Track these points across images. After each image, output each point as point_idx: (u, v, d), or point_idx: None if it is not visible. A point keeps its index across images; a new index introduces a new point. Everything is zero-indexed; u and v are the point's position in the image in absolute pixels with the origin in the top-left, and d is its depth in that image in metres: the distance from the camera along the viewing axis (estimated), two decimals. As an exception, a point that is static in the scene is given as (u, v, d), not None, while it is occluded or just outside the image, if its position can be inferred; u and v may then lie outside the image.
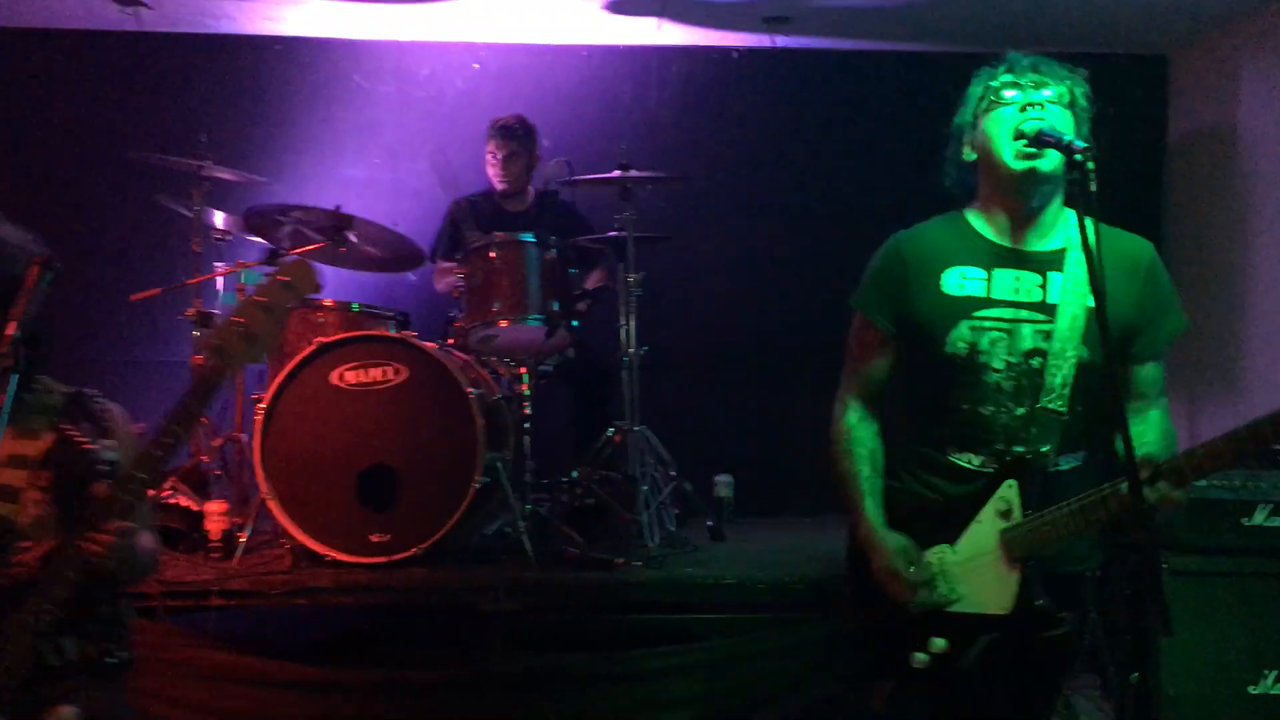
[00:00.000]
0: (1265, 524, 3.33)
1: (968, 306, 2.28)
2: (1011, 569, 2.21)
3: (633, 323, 4.42)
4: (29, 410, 2.24)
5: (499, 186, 4.92)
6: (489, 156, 4.91)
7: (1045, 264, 2.30)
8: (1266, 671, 3.27)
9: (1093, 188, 1.96)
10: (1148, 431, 2.28)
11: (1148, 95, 5.66)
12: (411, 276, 5.35)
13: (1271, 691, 3.27)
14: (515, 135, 4.88)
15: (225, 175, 4.47)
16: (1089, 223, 1.95)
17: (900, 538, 2.28)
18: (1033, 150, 2.19)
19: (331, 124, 5.56)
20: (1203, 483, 3.31)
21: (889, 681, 2.36)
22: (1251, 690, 3.28)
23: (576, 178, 4.55)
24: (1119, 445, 2.11)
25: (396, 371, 3.87)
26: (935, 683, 2.28)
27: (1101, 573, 2.39)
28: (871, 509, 2.32)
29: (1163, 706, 3.25)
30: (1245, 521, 3.32)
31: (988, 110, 2.28)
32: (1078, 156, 2.01)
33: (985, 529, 2.25)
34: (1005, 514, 2.23)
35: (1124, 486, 2.02)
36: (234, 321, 2.10)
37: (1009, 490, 2.24)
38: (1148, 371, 2.34)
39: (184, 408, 2.14)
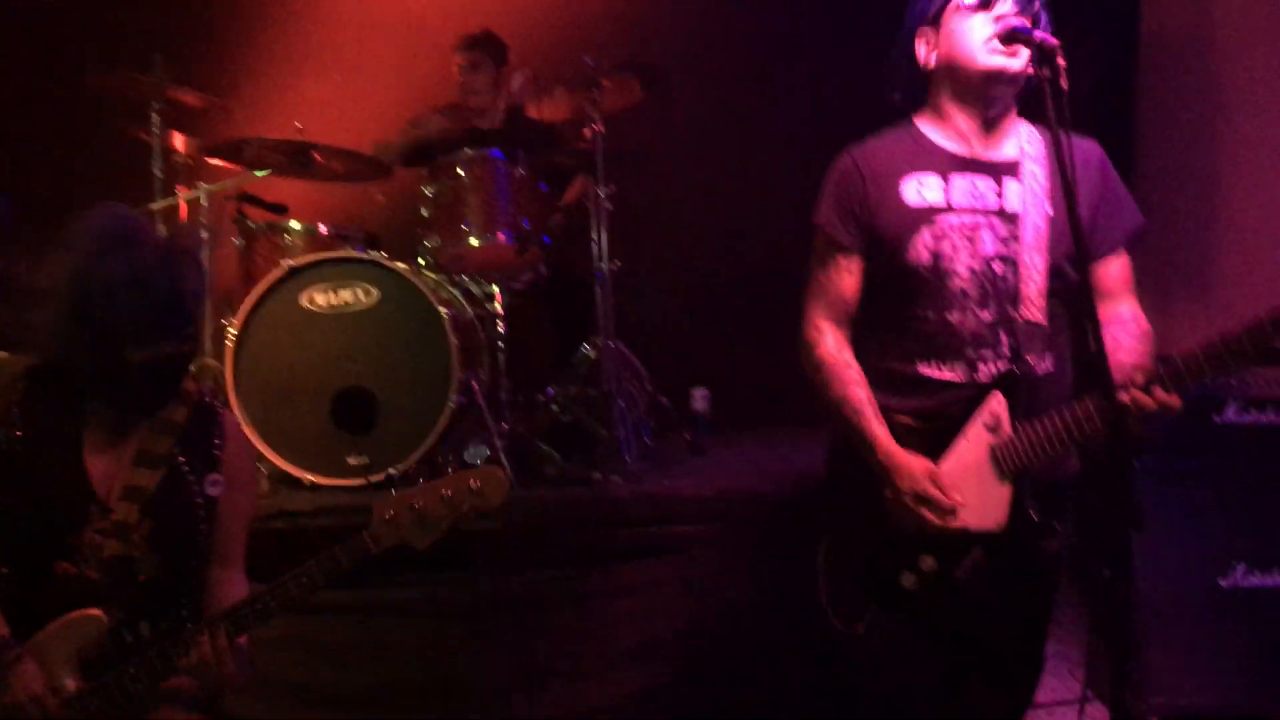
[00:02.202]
0: (1235, 420, 3.36)
1: (928, 214, 2.27)
2: (1003, 483, 2.22)
3: (605, 237, 4.37)
4: (155, 430, 2.17)
5: (466, 101, 4.84)
6: (456, 70, 4.82)
7: (1000, 171, 2.30)
8: (1235, 564, 3.33)
9: (1064, 85, 1.94)
10: (1122, 335, 2.28)
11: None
12: (380, 197, 5.28)
13: (1242, 584, 3.33)
14: (478, 44, 4.79)
15: (183, 97, 4.36)
16: (1058, 135, 1.94)
17: (924, 460, 2.24)
18: (1004, 49, 2.17)
19: (291, 42, 5.43)
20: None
21: (872, 604, 2.37)
22: (1222, 583, 3.34)
23: (542, 89, 4.47)
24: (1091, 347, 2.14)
25: (367, 293, 3.83)
26: (921, 604, 2.28)
27: (1079, 479, 2.39)
28: (883, 433, 2.27)
29: (1135, 602, 3.31)
30: (1216, 418, 3.35)
31: (950, 14, 2.25)
32: (1048, 53, 1.98)
33: (973, 444, 2.24)
34: (994, 428, 2.23)
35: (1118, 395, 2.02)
36: (413, 500, 2.07)
37: (996, 404, 2.23)
38: (1111, 268, 2.35)
39: (332, 560, 2.09)
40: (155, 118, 4.27)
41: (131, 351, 2.03)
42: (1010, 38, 2.14)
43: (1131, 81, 5.54)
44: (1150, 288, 2.48)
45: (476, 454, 1.97)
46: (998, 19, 2.19)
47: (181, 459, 2.19)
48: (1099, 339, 1.92)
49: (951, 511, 2.19)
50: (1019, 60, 2.18)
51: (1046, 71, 1.96)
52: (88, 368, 2.06)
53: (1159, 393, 2.04)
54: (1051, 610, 2.51)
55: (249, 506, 2.37)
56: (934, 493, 2.19)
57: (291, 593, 2.07)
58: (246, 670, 2.13)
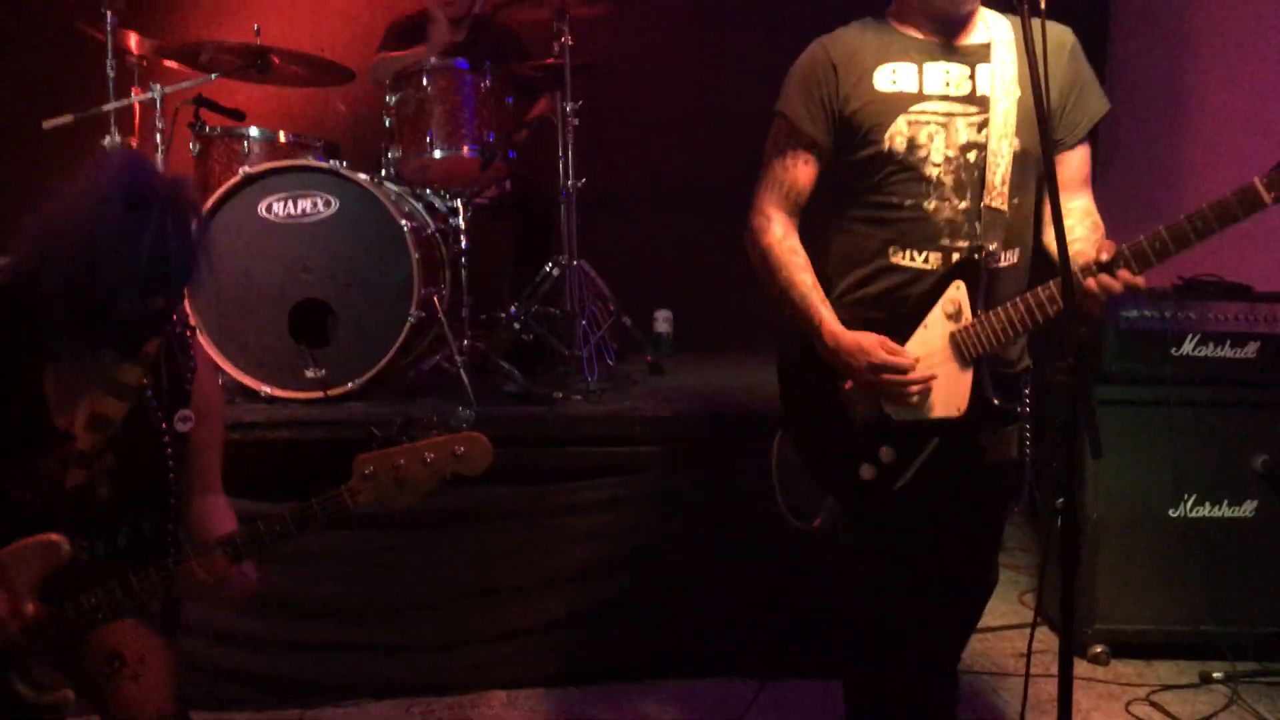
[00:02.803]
0: (1194, 354, 3.39)
1: (902, 102, 2.25)
2: (964, 370, 2.22)
3: (570, 154, 4.31)
4: (125, 359, 2.08)
5: (446, 11, 4.68)
6: None
7: (972, 56, 2.27)
8: (1187, 495, 3.39)
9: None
10: (1078, 226, 2.27)
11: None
12: (341, 106, 5.17)
13: (1190, 514, 3.40)
14: None
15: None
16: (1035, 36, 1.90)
17: (870, 333, 2.21)
18: None
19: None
20: (1133, 313, 3.39)
21: (828, 499, 2.38)
22: (1171, 514, 3.40)
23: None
24: (1047, 239, 2.23)
25: (327, 203, 3.76)
26: (880, 497, 2.29)
27: (1032, 377, 2.40)
28: (829, 315, 2.25)
29: (1086, 530, 3.37)
30: (1174, 351, 3.38)
31: None
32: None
33: (933, 332, 2.23)
34: (954, 316, 2.22)
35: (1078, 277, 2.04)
36: (395, 459, 2.00)
37: (957, 291, 2.22)
38: (1073, 157, 2.34)
39: (307, 512, 2.03)
40: (108, 15, 4.12)
41: (123, 305, 1.96)
42: None
43: (1106, 5, 5.51)
44: (1119, 209, 2.48)
45: (463, 418, 1.94)
46: None
47: (150, 392, 2.13)
48: (1060, 226, 1.91)
49: (911, 367, 2.19)
50: None
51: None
52: (72, 312, 1.97)
53: (1124, 274, 2.05)
54: (1005, 516, 2.53)
55: (221, 432, 2.32)
56: (889, 358, 2.19)
57: (263, 539, 2.04)
58: (240, 591, 2.12)
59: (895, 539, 2.36)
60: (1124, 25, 5.42)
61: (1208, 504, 3.40)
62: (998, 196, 2.23)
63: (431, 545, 3.37)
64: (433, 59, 4.07)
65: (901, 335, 2.24)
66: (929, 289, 2.24)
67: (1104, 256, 2.05)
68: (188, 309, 3.70)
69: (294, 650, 3.28)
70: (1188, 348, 3.39)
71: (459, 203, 4.16)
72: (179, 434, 2.16)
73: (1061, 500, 1.95)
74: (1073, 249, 2.16)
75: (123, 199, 1.93)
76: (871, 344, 2.20)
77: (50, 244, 1.96)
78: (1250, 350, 3.39)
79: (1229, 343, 3.39)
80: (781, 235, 2.33)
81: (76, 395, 2.08)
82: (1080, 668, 3.34)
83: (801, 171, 2.33)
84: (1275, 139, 4.05)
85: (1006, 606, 3.87)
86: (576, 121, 4.29)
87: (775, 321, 2.41)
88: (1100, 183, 2.41)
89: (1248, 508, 3.39)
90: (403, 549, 3.35)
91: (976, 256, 2.22)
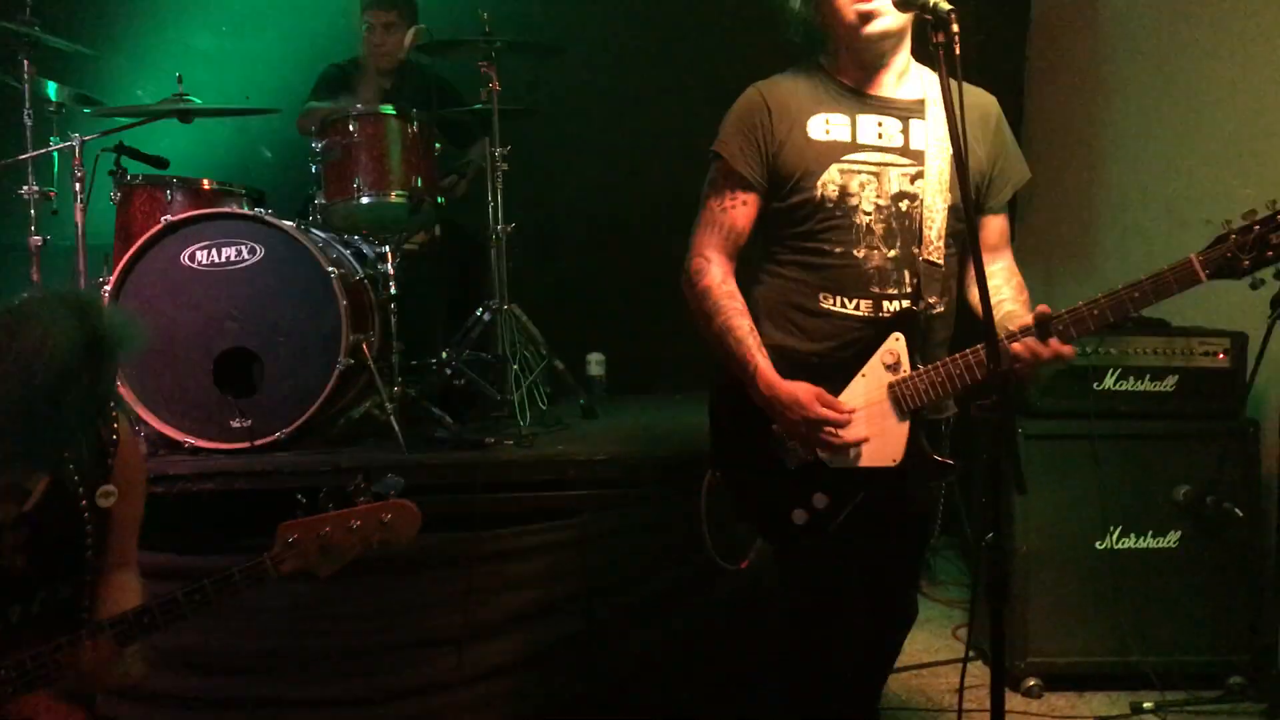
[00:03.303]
0: (1115, 388, 3.47)
1: (835, 151, 2.29)
2: (900, 421, 2.24)
3: (500, 199, 4.31)
4: None
5: (378, 61, 4.70)
6: (366, 27, 4.69)
7: (905, 111, 2.32)
8: (1112, 527, 3.44)
9: (958, 50, 1.95)
10: (1005, 286, 2.33)
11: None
12: (267, 153, 5.12)
13: (1116, 546, 3.45)
14: (395, 4, 4.67)
15: (57, 45, 4.14)
16: (953, 84, 1.95)
17: (807, 385, 2.22)
18: (871, 8, 2.22)
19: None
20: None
21: (758, 540, 2.38)
22: (1097, 545, 3.45)
23: (436, 44, 4.38)
24: (971, 296, 2.29)
25: (252, 250, 3.71)
26: (810, 541, 2.30)
27: (957, 421, 2.44)
28: (765, 364, 2.25)
29: (1014, 563, 3.41)
30: (1096, 386, 3.46)
31: None
32: (943, 19, 1.98)
33: (871, 382, 2.26)
34: (892, 367, 2.25)
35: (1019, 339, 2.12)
36: (320, 527, 1.99)
37: (896, 343, 2.25)
38: (996, 222, 2.42)
39: (227, 580, 2.01)
40: (25, 64, 4.05)
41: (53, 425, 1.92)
42: (905, 4, 2.14)
43: (1021, 57, 5.64)
44: (1036, 257, 2.55)
45: (390, 485, 1.93)
46: None
47: (72, 465, 2.08)
48: (985, 290, 1.95)
49: (848, 422, 2.20)
50: (893, 18, 2.22)
51: (941, 37, 1.96)
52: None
53: (1054, 342, 2.11)
54: (926, 550, 2.57)
55: (141, 506, 2.27)
56: (827, 414, 2.20)
57: (182, 609, 2.01)
58: (135, 673, 2.07)
59: (822, 579, 2.37)
60: (1039, 79, 5.56)
61: (1133, 535, 3.46)
62: (935, 251, 2.27)
63: (361, 595, 3.30)
64: (359, 105, 4.06)
65: (835, 382, 2.26)
66: (864, 337, 2.27)
67: (1032, 328, 2.11)
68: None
69: (220, 708, 3.19)
70: (1109, 382, 3.46)
71: (387, 249, 4.13)
72: (99, 509, 2.10)
73: (990, 535, 1.98)
74: (1001, 310, 2.23)
75: (71, 350, 1.85)
76: (808, 398, 2.20)
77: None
78: (1169, 383, 3.48)
79: (1149, 376, 3.47)
80: (720, 278, 2.34)
81: None
82: (1014, 701, 3.37)
83: (740, 213, 2.35)
84: (1187, 188, 4.16)
85: (940, 642, 3.89)
86: (505, 166, 4.29)
87: (707, 362, 2.42)
88: (1016, 233, 2.48)
89: (1171, 538, 3.45)
90: (332, 599, 3.28)
91: (917, 308, 2.26)
